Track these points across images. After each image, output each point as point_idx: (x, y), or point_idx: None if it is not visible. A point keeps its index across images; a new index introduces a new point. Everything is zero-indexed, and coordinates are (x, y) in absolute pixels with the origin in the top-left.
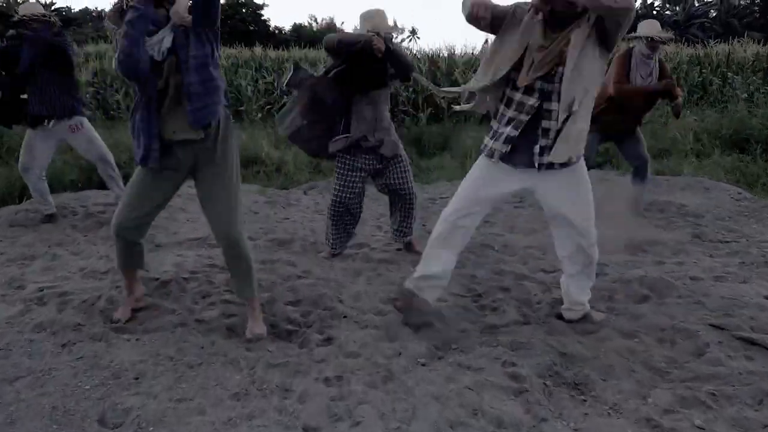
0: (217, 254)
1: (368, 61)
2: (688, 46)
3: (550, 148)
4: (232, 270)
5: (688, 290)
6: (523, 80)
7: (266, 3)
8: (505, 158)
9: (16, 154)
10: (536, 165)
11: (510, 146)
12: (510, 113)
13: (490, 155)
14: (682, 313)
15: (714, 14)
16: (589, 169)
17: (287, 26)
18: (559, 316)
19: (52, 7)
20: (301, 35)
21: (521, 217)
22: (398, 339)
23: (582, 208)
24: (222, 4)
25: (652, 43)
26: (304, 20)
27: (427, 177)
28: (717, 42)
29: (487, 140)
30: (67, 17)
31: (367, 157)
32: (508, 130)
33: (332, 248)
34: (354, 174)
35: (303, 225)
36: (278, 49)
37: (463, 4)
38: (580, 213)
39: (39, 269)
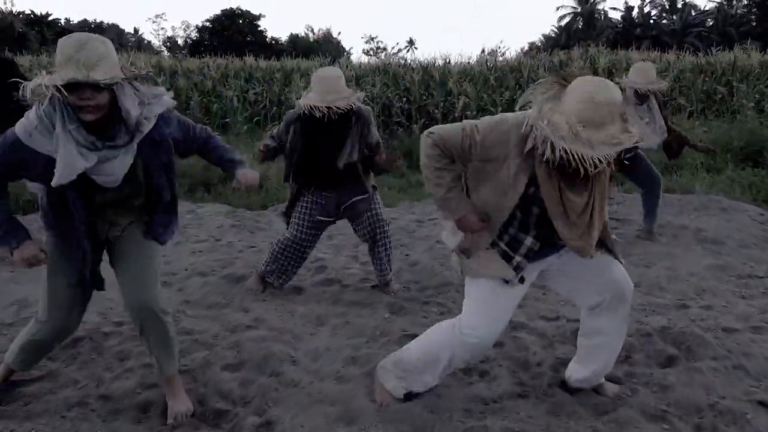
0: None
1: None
2: (686, 54)
3: None
4: (147, 344)
5: (723, 348)
6: None
7: (263, 14)
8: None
9: None
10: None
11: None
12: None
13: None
14: (721, 384)
15: (711, 23)
16: None
17: (284, 36)
18: (563, 384)
19: (48, 19)
20: (298, 46)
21: None
22: (359, 421)
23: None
24: (218, 15)
25: (640, 97)
26: (300, 31)
27: (417, 193)
28: (718, 50)
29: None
30: (62, 28)
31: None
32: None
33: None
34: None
35: None
36: (271, 59)
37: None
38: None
39: None
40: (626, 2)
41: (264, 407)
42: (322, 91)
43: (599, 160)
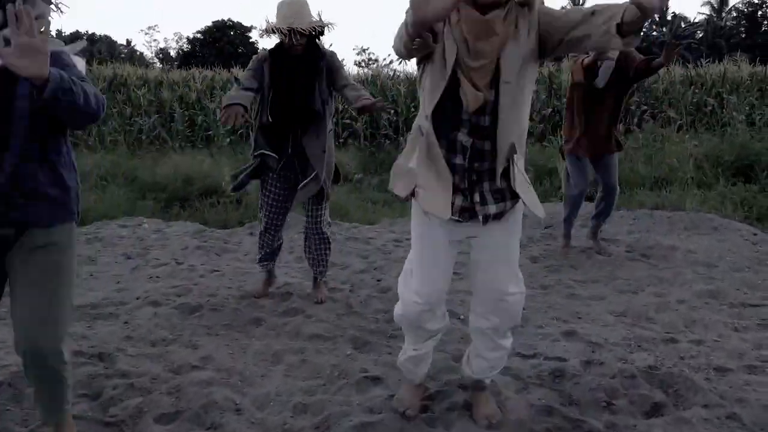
0: (96, 334)
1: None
2: (675, 66)
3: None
4: (34, 388)
5: (715, 393)
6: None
7: (254, 25)
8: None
9: None
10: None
11: None
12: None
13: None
14: None
15: (701, 35)
16: (582, 198)
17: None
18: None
19: None
20: None
21: None
22: None
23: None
24: (210, 27)
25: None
26: None
27: (401, 207)
28: (708, 62)
29: None
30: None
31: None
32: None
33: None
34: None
35: (231, 281)
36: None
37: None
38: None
39: None
40: None
41: None
42: (284, 15)
43: None
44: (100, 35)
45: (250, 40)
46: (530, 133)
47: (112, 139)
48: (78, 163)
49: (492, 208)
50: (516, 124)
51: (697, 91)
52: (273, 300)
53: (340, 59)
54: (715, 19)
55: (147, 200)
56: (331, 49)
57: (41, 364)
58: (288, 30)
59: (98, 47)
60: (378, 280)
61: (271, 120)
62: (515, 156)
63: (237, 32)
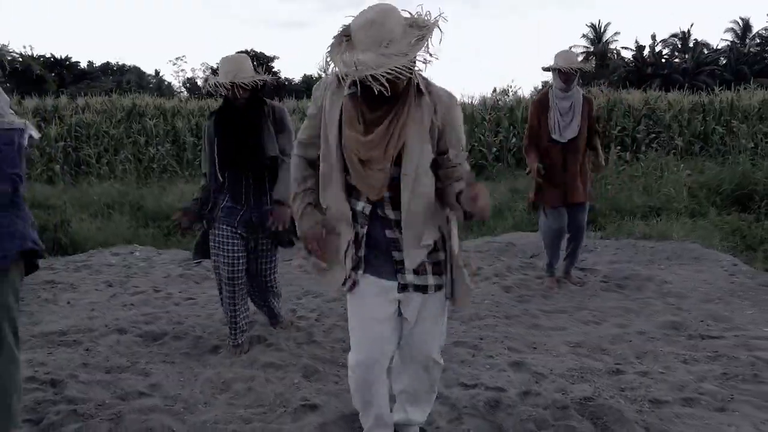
0: (55, 361)
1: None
2: (694, 93)
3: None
4: None
5: (642, 425)
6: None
7: (277, 56)
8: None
9: None
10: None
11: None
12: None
13: None
14: None
15: (724, 61)
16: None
17: (297, 77)
18: None
19: (68, 62)
20: (311, 86)
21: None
22: None
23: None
24: None
25: (564, 76)
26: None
27: None
28: (722, 89)
29: None
30: (82, 71)
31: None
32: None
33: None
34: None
35: (203, 309)
36: (281, 100)
37: None
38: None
39: None
40: (637, 41)
41: None
42: (225, 71)
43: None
44: (129, 66)
45: (273, 70)
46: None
47: (124, 168)
48: (86, 192)
49: None
50: None
51: (707, 119)
52: None
53: (288, 119)
54: (738, 45)
55: (149, 228)
56: (280, 104)
57: None
58: (231, 84)
59: (127, 78)
60: (346, 309)
61: (222, 179)
62: None
63: (260, 62)
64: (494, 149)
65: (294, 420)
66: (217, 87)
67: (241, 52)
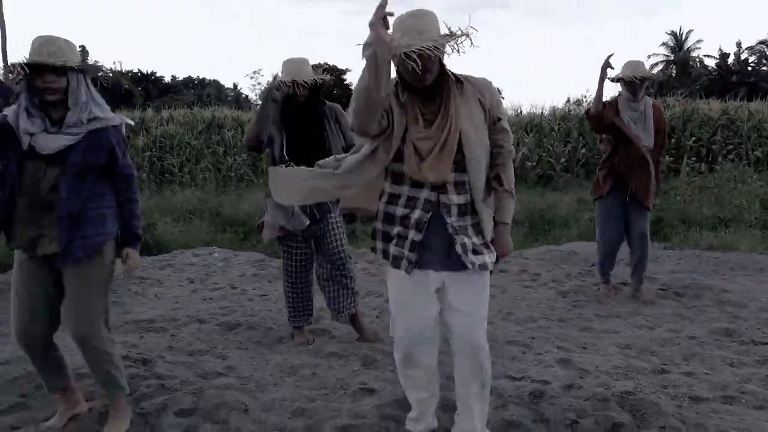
0: (145, 343)
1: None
2: None
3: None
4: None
5: (678, 418)
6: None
7: (349, 68)
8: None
9: None
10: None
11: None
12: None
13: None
14: None
15: None
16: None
17: None
18: None
19: (153, 76)
20: None
21: (526, 301)
22: None
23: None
24: None
25: (630, 86)
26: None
27: None
28: None
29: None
30: (166, 85)
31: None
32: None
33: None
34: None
35: (274, 305)
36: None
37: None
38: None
39: None
40: (720, 49)
41: None
42: (287, 72)
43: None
44: (209, 80)
45: (345, 82)
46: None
47: (204, 177)
48: (169, 199)
49: None
50: None
51: None
52: None
53: (344, 114)
54: None
55: (227, 233)
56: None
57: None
58: (291, 82)
59: (207, 91)
60: None
61: (287, 159)
62: None
63: (331, 74)
64: (563, 159)
65: (353, 401)
66: (279, 85)
67: (315, 65)
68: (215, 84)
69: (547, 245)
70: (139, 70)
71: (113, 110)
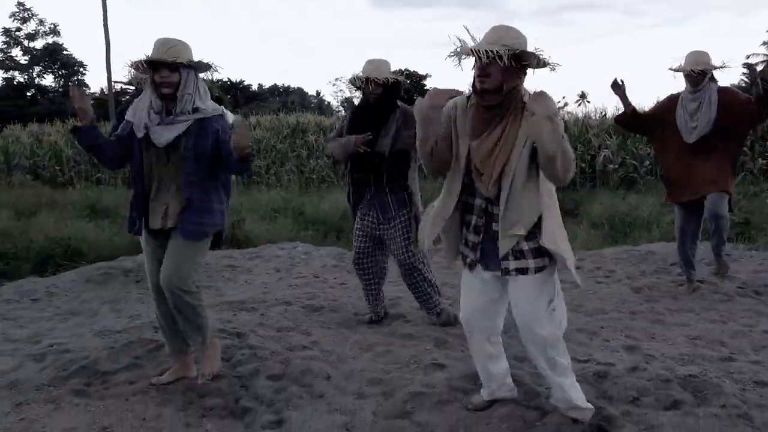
0: (238, 320)
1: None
2: None
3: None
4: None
5: (739, 398)
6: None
7: (429, 74)
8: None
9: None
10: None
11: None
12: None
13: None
14: (713, 429)
15: None
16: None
17: None
18: None
19: (241, 85)
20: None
21: (598, 295)
22: (354, 430)
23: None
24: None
25: (689, 78)
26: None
27: None
28: None
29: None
30: (253, 93)
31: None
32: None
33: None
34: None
35: (354, 292)
36: None
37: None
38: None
39: (71, 325)
40: None
41: (284, 409)
42: (365, 70)
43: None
44: (293, 87)
45: (425, 88)
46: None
47: (288, 178)
48: (256, 198)
49: None
50: None
51: None
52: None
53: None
54: None
55: (309, 231)
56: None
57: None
58: (365, 78)
59: (291, 98)
60: None
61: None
62: None
63: (412, 80)
64: (646, 162)
65: (425, 374)
66: (355, 81)
67: (395, 71)
68: (299, 91)
69: (623, 245)
70: (228, 78)
71: None
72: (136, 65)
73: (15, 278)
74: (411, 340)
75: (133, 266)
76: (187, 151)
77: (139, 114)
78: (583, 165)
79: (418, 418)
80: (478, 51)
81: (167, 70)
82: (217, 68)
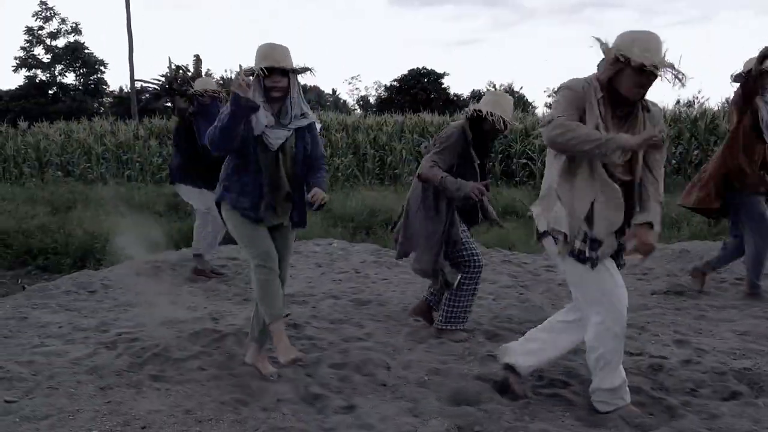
0: (292, 312)
1: None
2: None
3: None
4: None
5: None
6: None
7: (447, 72)
8: None
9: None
10: None
11: None
12: None
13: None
14: None
15: None
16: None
17: (466, 93)
18: None
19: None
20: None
21: (639, 291)
22: (422, 415)
23: None
24: (405, 75)
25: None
26: (482, 87)
27: None
28: None
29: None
30: None
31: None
32: None
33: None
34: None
35: (397, 287)
36: (450, 115)
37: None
38: None
39: (132, 315)
40: None
41: (352, 396)
42: (504, 111)
43: None
44: (309, 86)
45: (442, 87)
46: None
47: None
48: None
49: None
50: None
51: None
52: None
53: None
54: None
55: (338, 228)
56: None
57: None
58: (503, 121)
59: (308, 97)
60: (520, 294)
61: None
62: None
63: (431, 79)
64: (674, 161)
65: (482, 366)
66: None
67: (412, 69)
68: (316, 89)
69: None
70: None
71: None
72: (250, 72)
73: (55, 273)
74: (463, 332)
75: (178, 260)
76: (297, 153)
77: (258, 114)
78: None
79: (484, 406)
80: (670, 68)
81: (279, 75)
82: (314, 72)
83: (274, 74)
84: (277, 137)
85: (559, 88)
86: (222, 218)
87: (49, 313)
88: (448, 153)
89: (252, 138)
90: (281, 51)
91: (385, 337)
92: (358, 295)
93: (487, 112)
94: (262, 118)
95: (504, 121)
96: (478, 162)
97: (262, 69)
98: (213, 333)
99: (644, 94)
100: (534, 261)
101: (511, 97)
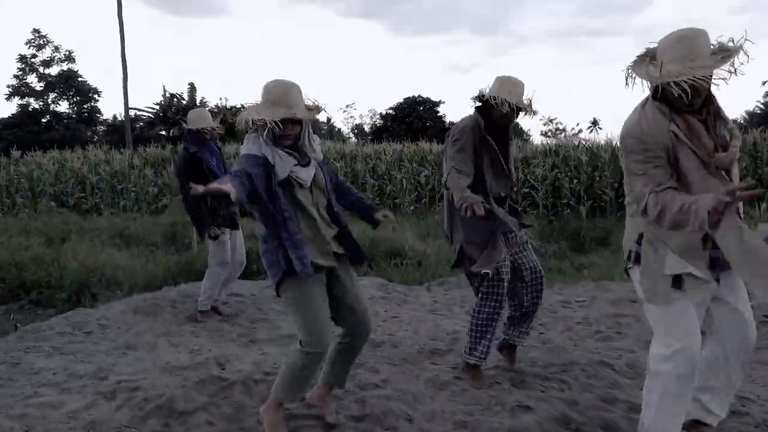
0: None
1: None
2: None
3: None
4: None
5: None
6: None
7: (443, 100)
8: None
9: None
10: None
11: None
12: None
13: None
14: None
15: None
16: None
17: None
18: None
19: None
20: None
21: None
22: None
23: None
24: (401, 103)
25: None
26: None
27: (575, 275)
28: None
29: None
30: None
31: None
32: None
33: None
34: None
35: (408, 325)
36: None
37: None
38: None
39: (132, 360)
40: None
41: None
42: (515, 93)
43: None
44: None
45: (438, 114)
46: None
47: None
48: None
49: None
50: None
51: None
52: (443, 342)
53: None
54: None
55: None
56: None
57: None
58: (515, 106)
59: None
60: (540, 333)
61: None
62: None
63: (426, 107)
64: None
65: (512, 417)
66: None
67: (408, 98)
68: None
69: None
70: (242, 105)
71: (222, 142)
72: (263, 122)
73: (49, 307)
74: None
75: (178, 297)
76: (327, 185)
77: (279, 158)
78: (611, 193)
79: None
80: (695, 80)
81: (291, 123)
82: (325, 110)
83: (287, 123)
84: (307, 173)
85: None
86: (279, 295)
87: (43, 358)
88: (467, 153)
89: (277, 184)
90: (293, 95)
91: (403, 384)
92: (370, 335)
93: (490, 97)
94: (286, 163)
95: (510, 105)
96: (498, 152)
97: (276, 123)
98: (220, 381)
99: (690, 104)
100: (547, 297)
101: (521, 80)
